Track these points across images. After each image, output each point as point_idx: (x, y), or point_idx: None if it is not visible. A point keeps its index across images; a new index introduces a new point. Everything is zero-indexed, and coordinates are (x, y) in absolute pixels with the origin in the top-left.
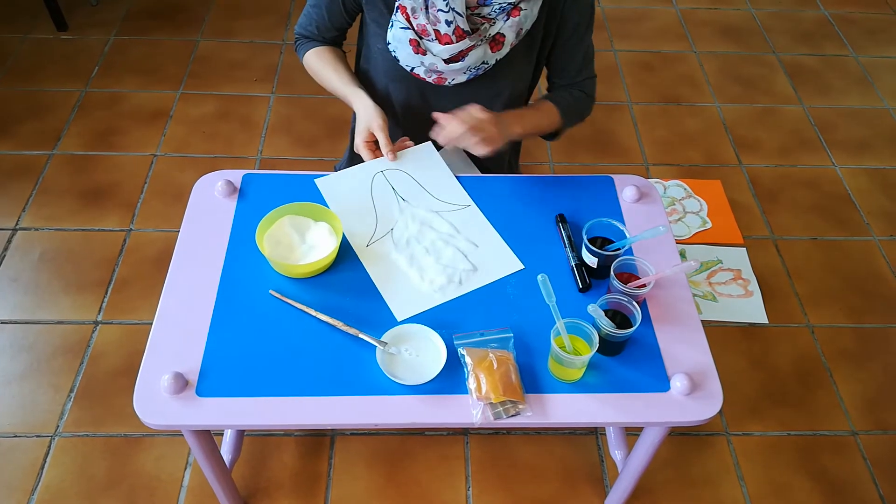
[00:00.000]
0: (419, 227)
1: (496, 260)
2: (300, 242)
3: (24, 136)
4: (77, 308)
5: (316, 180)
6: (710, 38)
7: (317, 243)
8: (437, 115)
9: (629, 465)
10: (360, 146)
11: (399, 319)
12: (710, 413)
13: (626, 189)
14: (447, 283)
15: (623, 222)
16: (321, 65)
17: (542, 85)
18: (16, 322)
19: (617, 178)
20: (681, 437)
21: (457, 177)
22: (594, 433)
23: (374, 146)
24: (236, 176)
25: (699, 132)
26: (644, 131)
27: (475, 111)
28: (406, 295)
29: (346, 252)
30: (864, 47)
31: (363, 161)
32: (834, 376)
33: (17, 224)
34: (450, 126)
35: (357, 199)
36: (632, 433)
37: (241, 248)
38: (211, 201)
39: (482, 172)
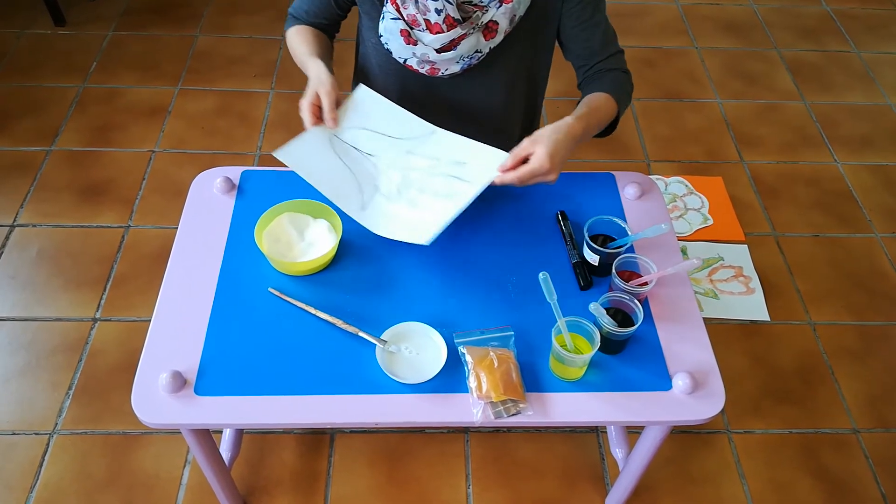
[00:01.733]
0: (402, 173)
1: (484, 164)
2: (299, 240)
3: (21, 132)
4: (75, 305)
5: (274, 153)
6: (711, 34)
7: (316, 240)
8: (499, 180)
9: (630, 464)
10: (303, 108)
11: (428, 243)
12: (713, 412)
13: (628, 186)
14: (452, 196)
15: (624, 220)
16: (298, 40)
17: (561, 74)
18: (14, 319)
19: (618, 175)
20: (682, 435)
21: None
22: (595, 431)
23: (318, 111)
24: (235, 172)
25: (700, 128)
26: (645, 128)
27: (531, 163)
28: (422, 225)
29: (345, 249)
30: (867, 43)
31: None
32: (836, 374)
33: (14, 220)
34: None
35: (330, 168)
36: (633, 431)
37: (240, 246)
38: (209, 198)
39: None
